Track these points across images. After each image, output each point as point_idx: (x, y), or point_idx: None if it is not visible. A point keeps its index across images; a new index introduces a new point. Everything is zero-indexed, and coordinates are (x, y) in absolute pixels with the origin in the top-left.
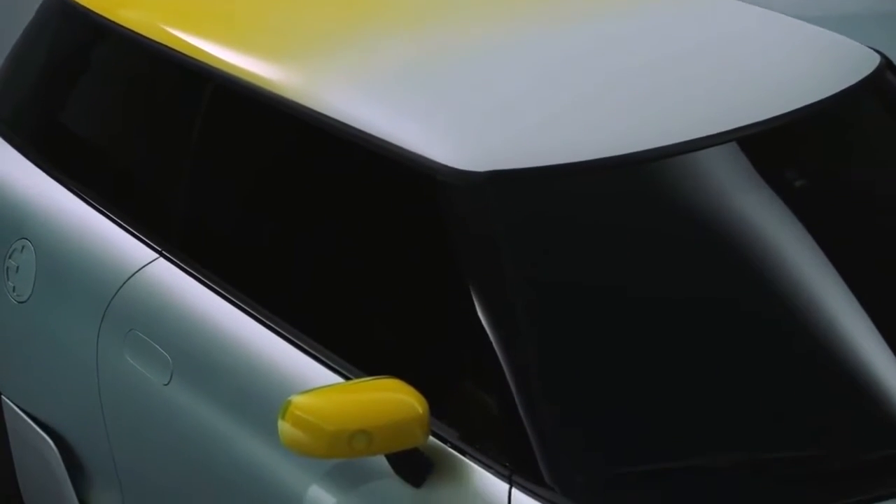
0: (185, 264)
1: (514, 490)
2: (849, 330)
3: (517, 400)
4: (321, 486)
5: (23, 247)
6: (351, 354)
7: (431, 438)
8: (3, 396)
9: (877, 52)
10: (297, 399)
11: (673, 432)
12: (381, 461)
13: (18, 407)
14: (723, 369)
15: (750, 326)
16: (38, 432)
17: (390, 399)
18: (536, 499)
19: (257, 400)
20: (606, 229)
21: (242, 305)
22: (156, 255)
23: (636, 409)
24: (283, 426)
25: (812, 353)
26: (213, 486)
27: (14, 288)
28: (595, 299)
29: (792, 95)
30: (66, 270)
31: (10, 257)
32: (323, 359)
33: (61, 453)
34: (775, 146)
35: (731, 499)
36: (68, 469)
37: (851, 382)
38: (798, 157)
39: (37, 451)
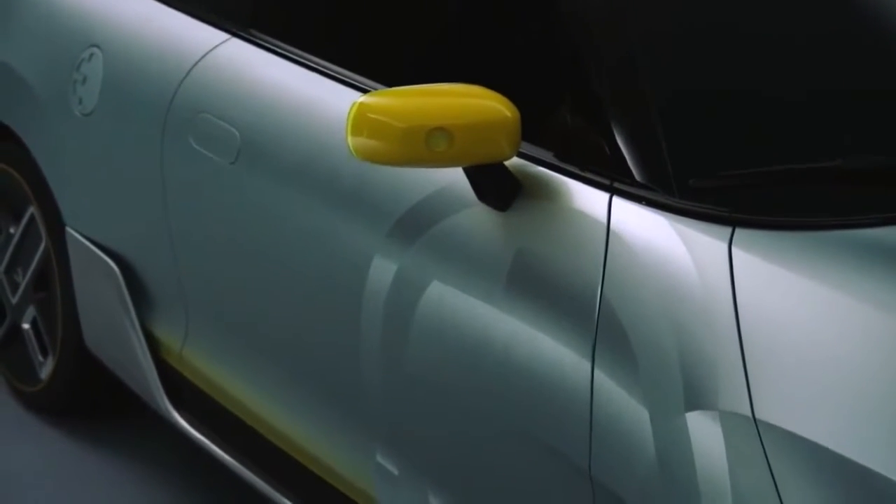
0: (258, 39)
1: (614, 198)
2: None
3: (618, 107)
4: (392, 242)
5: (91, 55)
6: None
7: (519, 161)
8: (66, 228)
9: None
10: (365, 99)
11: (776, 138)
12: (459, 194)
13: (82, 235)
14: (828, 76)
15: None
16: (101, 258)
17: (475, 103)
18: (639, 202)
19: (327, 160)
20: None
21: (314, 66)
22: (227, 37)
23: (739, 113)
24: (352, 138)
25: None
26: (281, 263)
27: (81, 100)
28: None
29: None
30: (133, 67)
31: (77, 69)
32: None
33: (124, 276)
34: None
35: (831, 203)
36: (131, 294)
37: None
38: None
39: (99, 279)
